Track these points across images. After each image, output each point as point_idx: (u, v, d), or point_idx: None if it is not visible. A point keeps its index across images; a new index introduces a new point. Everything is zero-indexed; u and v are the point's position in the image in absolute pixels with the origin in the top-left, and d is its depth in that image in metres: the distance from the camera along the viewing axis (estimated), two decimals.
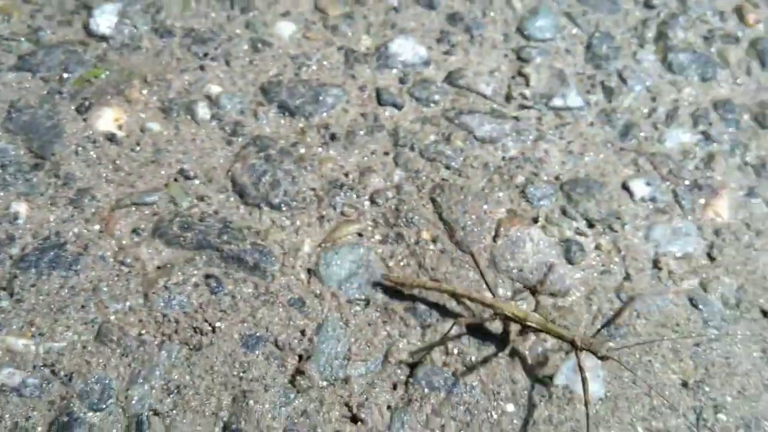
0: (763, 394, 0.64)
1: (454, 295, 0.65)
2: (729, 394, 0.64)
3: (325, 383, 0.61)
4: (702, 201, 0.76)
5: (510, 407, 0.61)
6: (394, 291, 0.66)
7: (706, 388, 0.64)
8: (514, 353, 0.64)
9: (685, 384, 0.64)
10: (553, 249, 0.70)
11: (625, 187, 0.76)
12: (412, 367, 0.63)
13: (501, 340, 0.65)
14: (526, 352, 0.64)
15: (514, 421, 0.61)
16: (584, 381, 0.57)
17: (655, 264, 0.71)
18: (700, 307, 0.69)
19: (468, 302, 0.65)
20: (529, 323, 0.61)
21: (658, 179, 0.77)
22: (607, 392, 0.63)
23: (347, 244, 0.69)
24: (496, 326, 0.65)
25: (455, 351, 0.64)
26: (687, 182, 0.77)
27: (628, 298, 0.67)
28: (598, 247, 0.72)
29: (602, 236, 0.72)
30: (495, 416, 0.61)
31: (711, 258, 0.72)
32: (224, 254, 0.67)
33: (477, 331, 0.65)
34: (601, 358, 0.59)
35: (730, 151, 0.80)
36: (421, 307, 0.66)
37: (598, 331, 0.64)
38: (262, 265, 0.66)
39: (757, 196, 0.77)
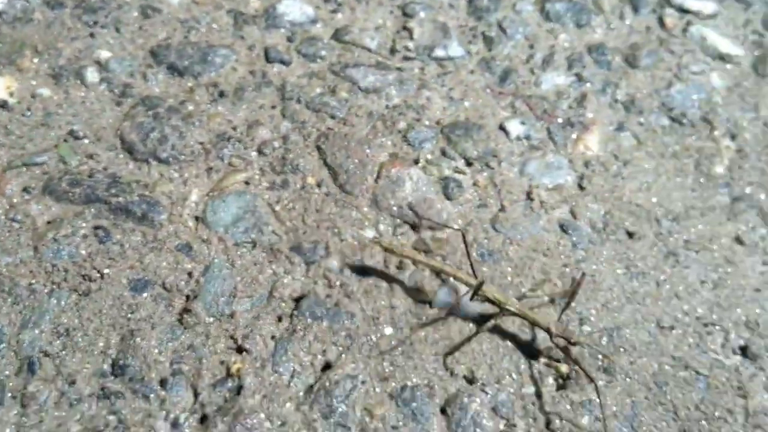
0: (625, 306, 0.70)
1: (441, 272, 0.68)
2: (593, 307, 0.70)
3: (211, 319, 0.65)
4: (574, 136, 0.81)
5: (389, 330, 0.66)
6: (279, 233, 0.71)
7: (573, 304, 0.69)
8: (394, 282, 0.69)
9: (552, 301, 0.70)
10: (432, 186, 0.75)
11: (501, 127, 0.81)
12: (297, 300, 0.67)
13: (381, 272, 0.70)
14: (405, 281, 0.69)
15: (392, 342, 0.66)
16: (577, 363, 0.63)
17: (529, 195, 0.76)
18: (570, 232, 0.74)
19: (453, 280, 0.68)
20: (508, 307, 0.64)
21: (533, 119, 0.82)
22: (481, 313, 0.68)
23: (234, 192, 0.73)
24: (377, 260, 0.70)
25: (338, 283, 0.68)
26: (560, 120, 0.83)
27: (579, 276, 0.71)
28: (475, 184, 0.77)
29: (479, 173, 0.78)
30: (374, 339, 0.66)
31: (581, 187, 0.78)
32: (112, 206, 0.70)
33: (358, 263, 0.69)
34: (575, 344, 0.63)
35: (601, 90, 0.86)
36: (306, 245, 0.70)
37: (560, 315, 0.67)
38: (150, 215, 0.70)
39: (625, 130, 0.83)
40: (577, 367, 0.65)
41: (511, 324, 0.68)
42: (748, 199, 0.78)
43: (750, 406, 0.65)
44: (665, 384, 0.65)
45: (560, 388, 0.65)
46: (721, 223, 0.77)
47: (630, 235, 0.75)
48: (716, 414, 0.64)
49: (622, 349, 0.67)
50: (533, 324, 0.64)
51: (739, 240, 0.75)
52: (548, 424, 0.62)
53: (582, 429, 0.62)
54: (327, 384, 0.62)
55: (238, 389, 0.61)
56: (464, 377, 0.64)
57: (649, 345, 0.68)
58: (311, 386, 0.62)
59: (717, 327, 0.69)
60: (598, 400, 0.63)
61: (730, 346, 0.68)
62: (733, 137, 0.84)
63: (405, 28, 0.88)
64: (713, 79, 0.88)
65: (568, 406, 0.63)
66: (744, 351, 0.68)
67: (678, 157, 0.81)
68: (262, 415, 0.60)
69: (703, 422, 0.63)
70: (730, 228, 0.76)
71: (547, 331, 0.63)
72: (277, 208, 0.72)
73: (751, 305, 0.71)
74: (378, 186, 0.74)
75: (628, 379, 0.65)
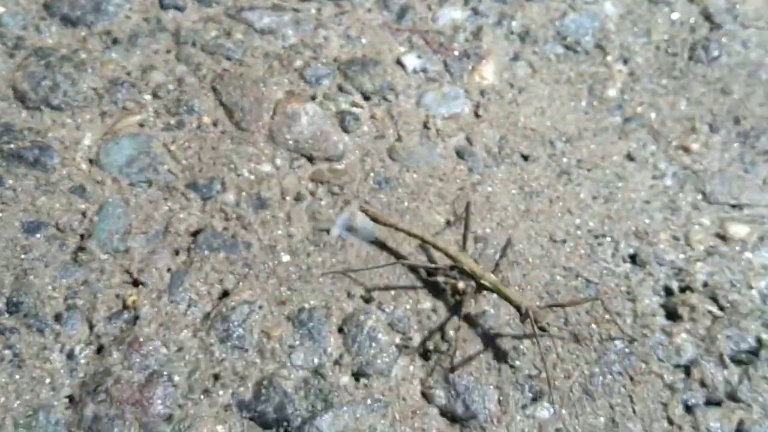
0: (519, 223, 0.73)
1: (422, 241, 0.68)
2: (488, 226, 0.73)
3: (106, 256, 0.67)
4: (470, 68, 0.84)
5: (286, 257, 0.69)
6: (175, 171, 0.72)
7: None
8: (291, 213, 0.71)
9: (448, 222, 0.73)
10: (328, 120, 0.78)
11: (398, 62, 0.84)
12: (194, 234, 0.69)
13: (278, 204, 0.72)
14: (303, 211, 0.72)
15: (290, 269, 0.68)
16: (537, 339, 0.62)
17: (425, 125, 0.79)
18: (466, 157, 0.77)
19: (433, 249, 0.69)
20: (483, 281, 0.64)
21: (429, 53, 0.85)
22: (377, 236, 0.71)
23: (128, 134, 0.74)
24: (273, 192, 0.72)
25: (234, 216, 0.70)
26: (456, 53, 0.85)
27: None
28: (373, 117, 0.79)
29: (377, 106, 0.80)
30: (271, 266, 0.68)
31: (477, 115, 0.81)
32: (5, 154, 0.71)
33: (255, 196, 0.71)
34: (540, 328, 0.62)
35: (497, 23, 0.89)
36: (201, 181, 0.72)
37: (550, 307, 0.65)
38: (42, 159, 0.71)
39: (520, 60, 0.86)
40: (473, 283, 0.68)
41: (408, 246, 0.70)
42: (639, 118, 0.82)
43: (638, 309, 0.69)
44: (557, 293, 0.69)
45: (456, 303, 0.68)
46: (613, 142, 0.81)
47: (525, 157, 0.78)
48: (606, 317, 0.68)
49: (515, 264, 0.71)
50: (506, 299, 0.64)
51: (630, 157, 0.79)
52: (443, 335, 0.65)
53: (477, 337, 0.65)
54: (224, 310, 0.64)
55: (135, 320, 0.63)
56: (361, 297, 0.67)
57: (541, 258, 0.71)
58: (208, 314, 0.64)
59: (607, 238, 0.73)
60: (492, 312, 0.66)
61: (620, 255, 0.72)
62: (625, 62, 0.87)
63: None
64: (606, 7, 0.92)
65: (463, 319, 0.67)
66: (633, 259, 0.72)
67: (572, 82, 0.85)
68: (158, 342, 0.62)
69: (593, 326, 0.67)
70: (622, 146, 0.80)
71: (518, 308, 0.63)
72: (173, 147, 0.74)
73: (640, 216, 0.75)
74: (274, 122, 0.76)
75: (521, 290, 0.69)
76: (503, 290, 0.64)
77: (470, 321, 0.66)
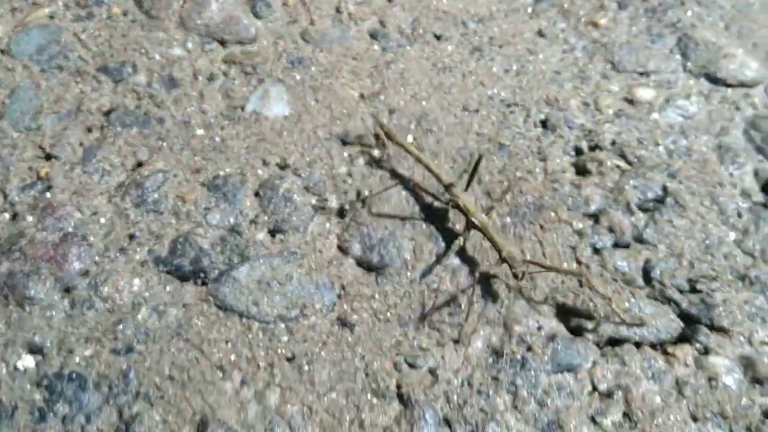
0: (431, 96, 0.78)
1: (428, 170, 0.69)
2: (402, 99, 0.77)
3: (18, 134, 0.69)
4: None
5: (200, 131, 0.72)
6: (86, 58, 0.75)
7: (382, 97, 0.77)
8: (204, 92, 0.75)
9: (362, 96, 0.77)
10: (239, 6, 0.81)
11: None
12: (107, 114, 0.72)
13: (190, 83, 0.75)
14: (216, 90, 0.75)
15: (204, 141, 0.71)
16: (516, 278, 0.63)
17: (338, 10, 0.83)
18: (379, 38, 0.81)
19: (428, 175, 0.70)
20: (473, 219, 0.65)
21: None
22: (291, 111, 0.75)
23: (39, 25, 0.77)
24: (186, 72, 0.76)
25: (147, 95, 0.73)
26: None
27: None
28: (285, 4, 0.83)
29: None
30: (185, 139, 0.71)
31: (389, 0, 0.85)
32: None
33: (167, 77, 0.75)
34: (514, 275, 0.63)
35: None
36: (112, 65, 0.75)
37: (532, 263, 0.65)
38: None
39: None
40: (388, 149, 0.72)
41: (322, 118, 0.74)
42: None
43: (549, 167, 0.73)
44: (470, 156, 0.73)
45: (373, 168, 0.72)
46: (525, 21, 0.85)
47: (437, 37, 0.83)
48: (518, 175, 0.72)
49: (429, 132, 0.75)
50: (489, 239, 0.65)
51: (540, 33, 0.84)
52: (358, 195, 0.69)
53: (393, 195, 0.69)
54: (138, 178, 0.67)
55: (48, 189, 0.66)
56: (277, 165, 0.71)
57: (455, 126, 0.76)
58: (122, 182, 0.67)
59: (519, 106, 0.78)
60: (408, 174, 0.70)
61: (532, 120, 0.77)
62: None
63: None
64: None
65: (378, 180, 0.71)
66: (544, 123, 0.77)
67: None
68: (72, 207, 0.65)
69: (505, 183, 0.72)
70: (533, 24, 0.85)
71: (499, 252, 0.64)
72: (83, 36, 0.77)
73: (551, 86, 0.80)
74: (184, 9, 0.80)
75: (434, 156, 0.73)
76: (491, 232, 0.65)
77: (387, 183, 0.70)
